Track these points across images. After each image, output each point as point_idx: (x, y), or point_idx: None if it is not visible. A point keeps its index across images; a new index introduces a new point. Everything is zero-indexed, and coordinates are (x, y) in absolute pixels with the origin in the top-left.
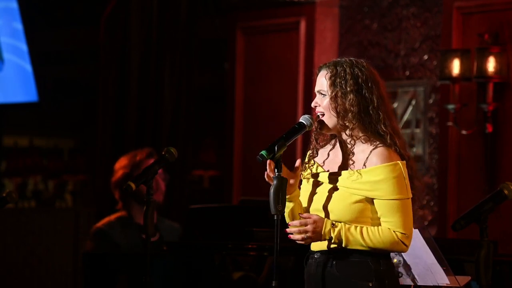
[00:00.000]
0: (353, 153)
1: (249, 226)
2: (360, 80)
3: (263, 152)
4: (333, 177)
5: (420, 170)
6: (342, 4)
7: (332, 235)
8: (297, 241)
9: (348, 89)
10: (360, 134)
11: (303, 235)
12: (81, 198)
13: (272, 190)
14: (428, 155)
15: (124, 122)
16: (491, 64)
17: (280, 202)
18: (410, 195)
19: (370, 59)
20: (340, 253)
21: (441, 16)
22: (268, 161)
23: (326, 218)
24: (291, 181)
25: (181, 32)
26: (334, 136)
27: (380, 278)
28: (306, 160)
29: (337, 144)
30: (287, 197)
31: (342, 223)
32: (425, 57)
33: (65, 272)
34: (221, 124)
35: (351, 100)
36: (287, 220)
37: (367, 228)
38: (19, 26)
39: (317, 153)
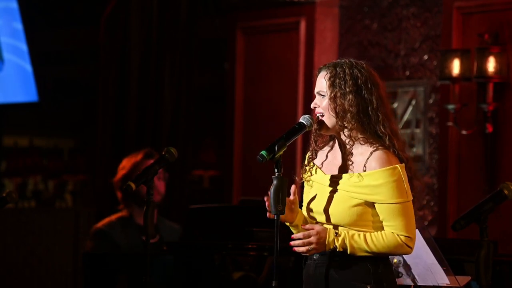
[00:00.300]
0: (352, 155)
1: (249, 226)
2: (359, 81)
3: (263, 152)
4: (333, 180)
5: (420, 170)
6: (342, 4)
7: (336, 244)
8: (302, 253)
9: (347, 89)
10: (359, 135)
11: (307, 247)
12: (81, 198)
13: (272, 190)
14: (428, 155)
15: (124, 122)
16: (491, 64)
17: (280, 202)
18: (411, 198)
19: (370, 59)
20: (338, 255)
21: (441, 16)
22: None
23: (329, 228)
24: (292, 206)
25: (181, 32)
26: (333, 137)
27: (378, 280)
28: (306, 162)
29: (336, 145)
30: (293, 224)
31: (345, 231)
32: (425, 57)
33: (65, 272)
34: (221, 124)
35: (350, 101)
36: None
37: (370, 234)
38: (19, 26)
39: (316, 155)
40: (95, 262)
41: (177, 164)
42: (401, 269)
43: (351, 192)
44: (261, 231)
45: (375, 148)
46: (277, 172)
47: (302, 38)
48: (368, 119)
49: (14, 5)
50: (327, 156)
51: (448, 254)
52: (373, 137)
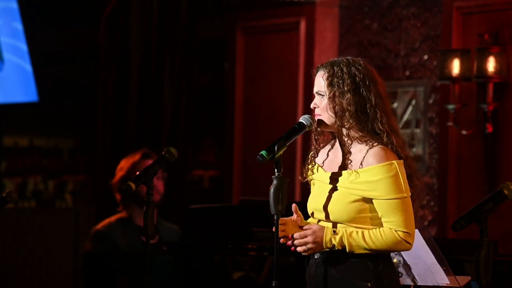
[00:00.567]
0: (351, 153)
1: (249, 226)
2: (357, 79)
3: (263, 152)
4: (332, 178)
5: (420, 170)
6: (342, 4)
7: (334, 242)
8: (301, 253)
9: (346, 88)
10: (357, 134)
11: (304, 247)
12: (81, 198)
13: (272, 190)
14: (428, 155)
15: (124, 122)
16: (491, 64)
17: (280, 202)
18: (409, 193)
19: (370, 59)
20: (339, 253)
21: (441, 16)
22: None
23: (327, 227)
24: (297, 223)
25: (181, 32)
26: (334, 136)
27: (378, 278)
28: (308, 161)
29: (337, 144)
30: None
31: (343, 230)
32: (425, 57)
33: (65, 272)
34: (221, 124)
35: (348, 100)
36: None
37: (368, 231)
38: (19, 26)
39: (317, 154)
40: (95, 262)
41: (177, 164)
42: (401, 269)
43: (349, 188)
44: (261, 231)
45: (372, 145)
46: (277, 172)
47: (302, 38)
48: (366, 117)
49: (14, 5)
50: (328, 154)
51: (448, 254)
52: (371, 135)
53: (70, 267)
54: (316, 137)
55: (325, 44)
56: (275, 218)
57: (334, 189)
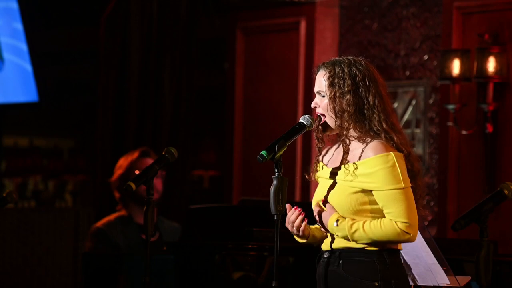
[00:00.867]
0: (350, 150)
1: (249, 226)
2: (357, 79)
3: (263, 152)
4: (333, 172)
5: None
6: (342, 4)
7: (336, 231)
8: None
9: (346, 89)
10: (356, 134)
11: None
12: (81, 198)
13: (272, 190)
14: (428, 155)
15: (124, 122)
16: (491, 64)
17: (281, 202)
18: (408, 184)
19: (370, 59)
20: (346, 252)
21: (441, 16)
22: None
23: (333, 215)
24: (301, 229)
25: (181, 32)
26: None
27: (386, 277)
28: (315, 161)
29: (340, 143)
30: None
31: (345, 221)
32: (425, 57)
33: (65, 272)
34: (221, 124)
35: (348, 100)
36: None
37: (369, 221)
38: (19, 26)
39: (320, 152)
40: (95, 262)
41: (177, 164)
42: None
43: (349, 181)
44: (261, 231)
45: (371, 141)
46: (277, 172)
47: (302, 38)
48: (363, 117)
49: (14, 5)
50: (332, 154)
51: (448, 254)
52: (370, 135)
53: (70, 267)
54: (318, 136)
55: (325, 44)
56: (275, 218)
57: (335, 182)
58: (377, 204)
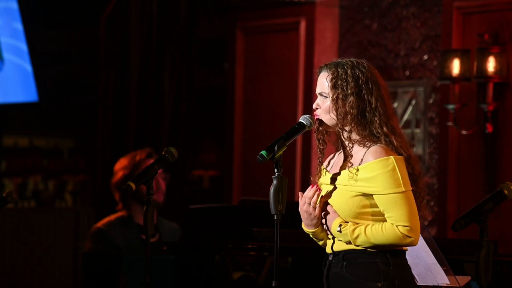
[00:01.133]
0: (352, 155)
1: (249, 226)
2: (360, 81)
3: (263, 152)
4: (333, 178)
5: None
6: (342, 4)
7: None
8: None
9: (349, 91)
10: (358, 137)
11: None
12: (81, 198)
13: (272, 190)
14: (428, 155)
15: (124, 122)
16: (491, 64)
17: (280, 202)
18: (409, 188)
19: (370, 59)
20: (350, 254)
21: (441, 16)
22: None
23: (337, 220)
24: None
25: (181, 32)
26: (339, 137)
27: (389, 278)
28: (318, 164)
29: (341, 147)
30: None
31: (348, 225)
32: (425, 57)
33: (65, 272)
34: (221, 124)
35: (350, 103)
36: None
37: (371, 225)
38: (19, 26)
39: (322, 153)
40: (95, 262)
41: (177, 164)
42: None
43: (349, 186)
44: (261, 231)
45: (371, 145)
46: (277, 172)
47: (302, 38)
48: (365, 120)
49: (14, 5)
50: (334, 159)
51: (448, 254)
52: (370, 138)
53: (70, 267)
54: (318, 137)
55: (325, 44)
56: (275, 218)
57: (335, 188)
58: (377, 207)
